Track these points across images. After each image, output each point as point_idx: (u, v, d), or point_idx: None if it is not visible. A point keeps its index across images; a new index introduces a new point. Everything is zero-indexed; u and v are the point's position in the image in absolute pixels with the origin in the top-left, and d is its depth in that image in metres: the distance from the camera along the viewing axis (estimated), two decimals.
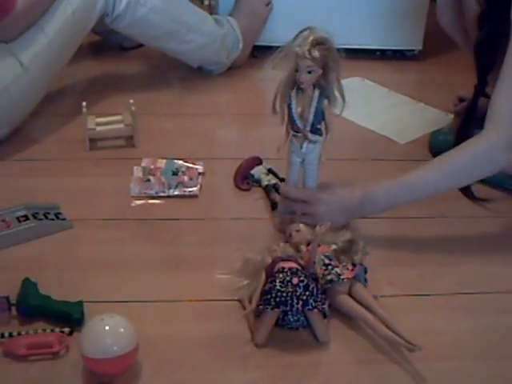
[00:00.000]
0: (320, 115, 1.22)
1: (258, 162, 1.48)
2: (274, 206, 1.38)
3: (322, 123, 1.24)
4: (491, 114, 1.25)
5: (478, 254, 1.29)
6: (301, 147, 1.25)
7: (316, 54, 1.16)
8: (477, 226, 1.37)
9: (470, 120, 1.42)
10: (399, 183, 1.27)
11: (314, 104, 1.21)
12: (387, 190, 1.27)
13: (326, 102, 1.22)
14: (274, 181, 1.43)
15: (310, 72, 1.18)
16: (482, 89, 1.40)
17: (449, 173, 1.26)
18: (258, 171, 1.46)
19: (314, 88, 1.22)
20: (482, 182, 1.44)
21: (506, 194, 1.46)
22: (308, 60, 1.16)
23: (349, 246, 1.17)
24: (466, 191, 1.42)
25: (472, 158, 1.25)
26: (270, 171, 1.46)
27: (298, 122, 1.23)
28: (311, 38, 1.17)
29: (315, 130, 1.23)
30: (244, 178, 1.46)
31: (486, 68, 1.38)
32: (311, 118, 1.21)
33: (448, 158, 1.27)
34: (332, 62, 1.19)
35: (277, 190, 1.40)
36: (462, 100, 1.73)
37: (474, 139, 1.26)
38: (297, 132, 1.24)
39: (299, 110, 1.22)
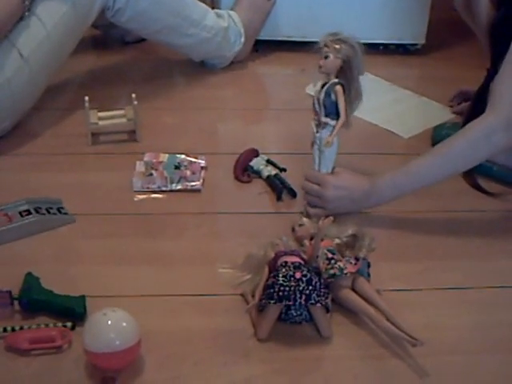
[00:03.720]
0: (331, 99, 1.28)
1: (255, 153, 1.49)
2: (279, 196, 1.38)
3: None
4: (491, 97, 1.27)
5: (482, 248, 1.29)
6: (317, 132, 1.31)
7: (332, 43, 1.26)
8: (481, 220, 1.37)
9: (481, 104, 1.42)
10: (402, 173, 1.30)
11: (326, 87, 1.28)
12: (391, 181, 1.29)
13: (338, 87, 1.28)
14: (274, 171, 1.44)
15: (326, 57, 1.27)
16: (495, 71, 1.39)
17: (449, 158, 1.28)
18: (256, 163, 1.47)
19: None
20: (488, 176, 1.44)
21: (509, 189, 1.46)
22: (326, 47, 1.27)
23: (352, 241, 1.17)
24: (475, 184, 1.43)
25: (471, 140, 1.27)
26: (268, 162, 1.47)
27: (316, 106, 1.30)
28: (335, 35, 1.28)
29: (328, 115, 1.29)
30: (244, 171, 1.46)
31: (501, 49, 1.38)
32: (321, 97, 1.28)
33: (448, 143, 1.29)
34: (354, 59, 1.26)
35: (280, 180, 1.40)
36: (463, 99, 1.72)
37: (472, 123, 1.28)
38: (315, 117, 1.32)
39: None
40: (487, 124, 1.26)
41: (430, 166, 1.29)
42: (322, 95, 1.29)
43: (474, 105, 1.46)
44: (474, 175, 1.43)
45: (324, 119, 1.30)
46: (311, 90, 1.84)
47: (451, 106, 1.75)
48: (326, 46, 1.26)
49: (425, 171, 1.29)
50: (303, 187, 1.34)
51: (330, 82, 1.28)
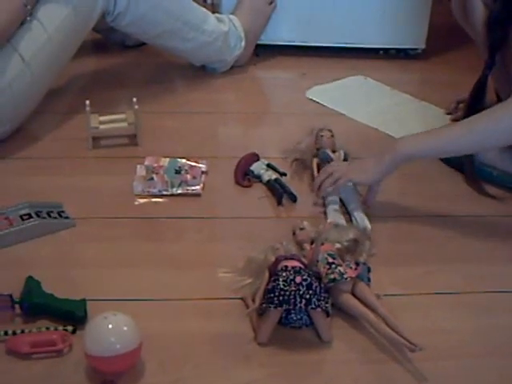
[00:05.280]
0: None
1: (256, 158, 1.49)
2: (279, 201, 1.39)
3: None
4: None
5: (481, 252, 1.29)
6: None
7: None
8: (481, 224, 1.37)
9: (480, 98, 1.42)
10: (432, 136, 1.31)
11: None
12: (415, 136, 1.32)
13: None
14: (274, 176, 1.44)
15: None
16: (492, 63, 1.39)
17: (478, 136, 1.28)
18: (257, 167, 1.47)
19: None
20: (488, 181, 1.45)
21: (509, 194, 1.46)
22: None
23: (353, 246, 1.17)
24: (479, 188, 1.44)
25: (497, 122, 1.26)
26: (269, 166, 1.47)
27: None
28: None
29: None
30: (244, 175, 1.46)
31: (498, 41, 1.38)
32: None
33: (477, 121, 1.28)
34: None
35: (280, 185, 1.41)
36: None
37: (500, 104, 1.28)
38: None
39: None
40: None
41: (460, 140, 1.29)
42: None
43: (474, 93, 1.46)
44: (478, 180, 1.44)
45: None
46: (311, 94, 1.86)
47: (449, 114, 1.76)
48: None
49: (453, 142, 1.30)
50: (325, 169, 1.36)
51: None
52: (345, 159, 1.45)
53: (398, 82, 1.95)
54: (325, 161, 1.44)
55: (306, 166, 1.49)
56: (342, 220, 1.32)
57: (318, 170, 1.43)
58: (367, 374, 1.03)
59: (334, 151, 1.48)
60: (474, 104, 1.44)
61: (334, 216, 1.32)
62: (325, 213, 1.35)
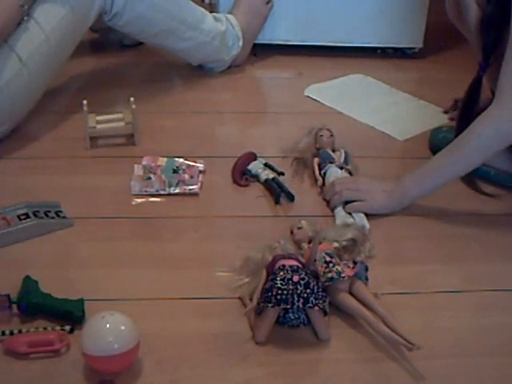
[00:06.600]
0: None
1: (253, 157, 1.49)
2: (277, 200, 1.39)
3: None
4: (496, 93, 1.30)
5: (480, 251, 1.29)
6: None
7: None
8: (480, 223, 1.37)
9: (474, 99, 1.43)
10: (424, 170, 1.34)
11: None
12: (414, 178, 1.35)
13: None
14: (272, 175, 1.44)
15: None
16: (486, 66, 1.40)
17: (466, 156, 1.32)
18: (254, 166, 1.47)
19: None
20: (486, 180, 1.46)
21: (507, 192, 1.46)
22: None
23: (351, 246, 1.17)
24: (474, 185, 1.45)
25: (481, 137, 1.30)
26: (266, 165, 1.48)
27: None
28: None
29: None
30: (242, 174, 1.46)
31: (492, 43, 1.39)
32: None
33: (461, 142, 1.32)
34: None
35: (278, 184, 1.41)
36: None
37: (479, 119, 1.30)
38: None
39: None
40: (493, 119, 1.29)
41: (449, 166, 1.32)
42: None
43: (469, 94, 1.47)
44: (474, 180, 1.44)
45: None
46: (310, 92, 1.86)
47: (446, 112, 1.76)
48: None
49: (444, 171, 1.33)
50: (335, 183, 1.37)
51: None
52: (345, 159, 1.45)
53: (395, 81, 1.95)
54: (326, 160, 1.45)
55: (306, 165, 1.49)
56: (350, 219, 1.32)
57: (319, 170, 1.45)
58: (365, 372, 1.03)
59: (333, 150, 1.48)
60: (469, 105, 1.44)
61: (344, 218, 1.33)
62: (331, 209, 1.37)
